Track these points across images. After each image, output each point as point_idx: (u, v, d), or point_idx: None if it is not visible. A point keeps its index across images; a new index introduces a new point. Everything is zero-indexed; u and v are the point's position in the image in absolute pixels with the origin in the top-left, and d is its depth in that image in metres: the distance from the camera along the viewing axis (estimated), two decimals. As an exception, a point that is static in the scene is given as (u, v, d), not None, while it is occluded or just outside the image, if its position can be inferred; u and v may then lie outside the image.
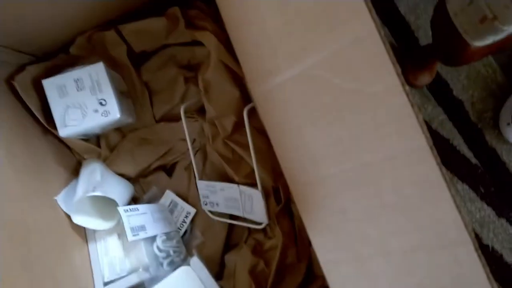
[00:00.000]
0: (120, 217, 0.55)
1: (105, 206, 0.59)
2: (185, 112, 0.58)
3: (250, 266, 0.54)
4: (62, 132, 0.54)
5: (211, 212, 0.61)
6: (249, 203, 0.56)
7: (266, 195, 0.55)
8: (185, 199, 0.63)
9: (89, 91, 0.54)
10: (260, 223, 0.57)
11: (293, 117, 0.38)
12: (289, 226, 0.55)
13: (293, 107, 0.37)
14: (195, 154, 0.61)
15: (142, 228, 0.57)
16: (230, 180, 0.58)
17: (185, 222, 0.62)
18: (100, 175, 0.58)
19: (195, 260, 0.56)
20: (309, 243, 0.55)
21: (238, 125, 0.57)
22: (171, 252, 0.59)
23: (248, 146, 0.56)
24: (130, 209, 0.56)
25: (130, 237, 0.54)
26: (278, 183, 0.56)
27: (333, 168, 0.36)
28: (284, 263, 0.54)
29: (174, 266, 0.58)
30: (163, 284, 0.55)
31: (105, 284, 0.57)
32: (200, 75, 0.57)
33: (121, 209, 0.55)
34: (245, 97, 0.56)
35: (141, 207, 0.59)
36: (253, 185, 0.57)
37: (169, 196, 0.63)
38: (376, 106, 0.31)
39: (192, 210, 0.62)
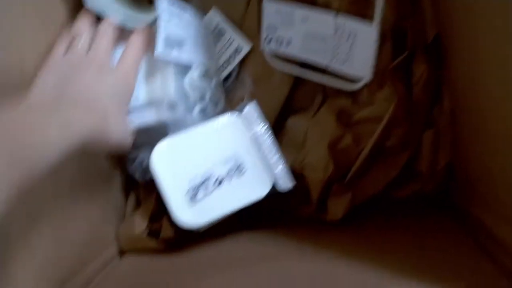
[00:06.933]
0: (156, 16, 0.34)
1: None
2: None
3: (332, 138, 0.36)
4: None
5: (275, 54, 0.40)
6: (346, 46, 0.36)
7: (380, 38, 0.35)
8: (238, 26, 0.41)
9: None
10: (355, 81, 0.37)
11: None
12: (404, 92, 0.36)
13: None
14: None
15: (179, 44, 0.36)
16: (323, 5, 0.37)
17: (231, 61, 0.42)
18: None
19: (251, 108, 0.36)
20: (424, 126, 0.37)
21: None
22: (207, 97, 0.39)
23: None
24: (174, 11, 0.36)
25: (160, 49, 0.33)
26: (405, 23, 0.36)
27: None
28: (382, 145, 0.36)
29: (206, 117, 0.39)
30: (201, 130, 0.36)
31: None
32: None
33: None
34: None
35: (187, 16, 0.38)
36: (361, 16, 0.37)
37: (214, 17, 0.41)
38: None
39: (246, 46, 0.41)
